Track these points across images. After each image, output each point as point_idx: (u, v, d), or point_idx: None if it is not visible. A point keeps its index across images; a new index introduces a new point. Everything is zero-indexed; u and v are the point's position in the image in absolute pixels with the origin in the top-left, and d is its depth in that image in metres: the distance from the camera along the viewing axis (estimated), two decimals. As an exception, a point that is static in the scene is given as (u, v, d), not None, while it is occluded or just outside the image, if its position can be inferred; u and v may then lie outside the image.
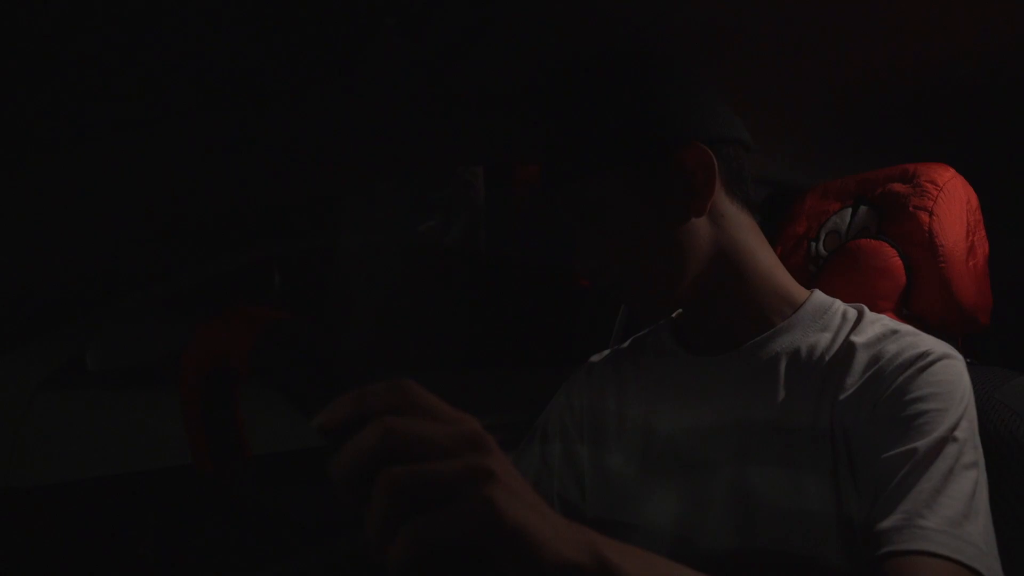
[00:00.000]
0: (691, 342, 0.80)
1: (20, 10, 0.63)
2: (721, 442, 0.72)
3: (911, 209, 0.94)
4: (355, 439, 0.37)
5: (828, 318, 0.74)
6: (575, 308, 1.78)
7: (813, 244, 1.04)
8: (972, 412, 0.66)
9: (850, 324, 0.73)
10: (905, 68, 0.93)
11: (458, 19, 0.72)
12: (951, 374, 0.66)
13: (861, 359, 0.69)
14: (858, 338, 0.70)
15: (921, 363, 0.66)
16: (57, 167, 0.78)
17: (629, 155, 0.71)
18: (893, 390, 0.65)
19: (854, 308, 0.76)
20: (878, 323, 0.72)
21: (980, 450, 0.65)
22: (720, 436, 0.72)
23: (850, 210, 1.02)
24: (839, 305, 0.76)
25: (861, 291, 0.94)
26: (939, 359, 0.67)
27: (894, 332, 0.70)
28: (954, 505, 0.59)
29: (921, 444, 0.61)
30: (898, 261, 0.94)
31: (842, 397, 0.67)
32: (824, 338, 0.72)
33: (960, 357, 0.69)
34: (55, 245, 0.85)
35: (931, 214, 0.92)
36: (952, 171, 0.97)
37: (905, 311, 0.95)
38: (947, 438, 0.62)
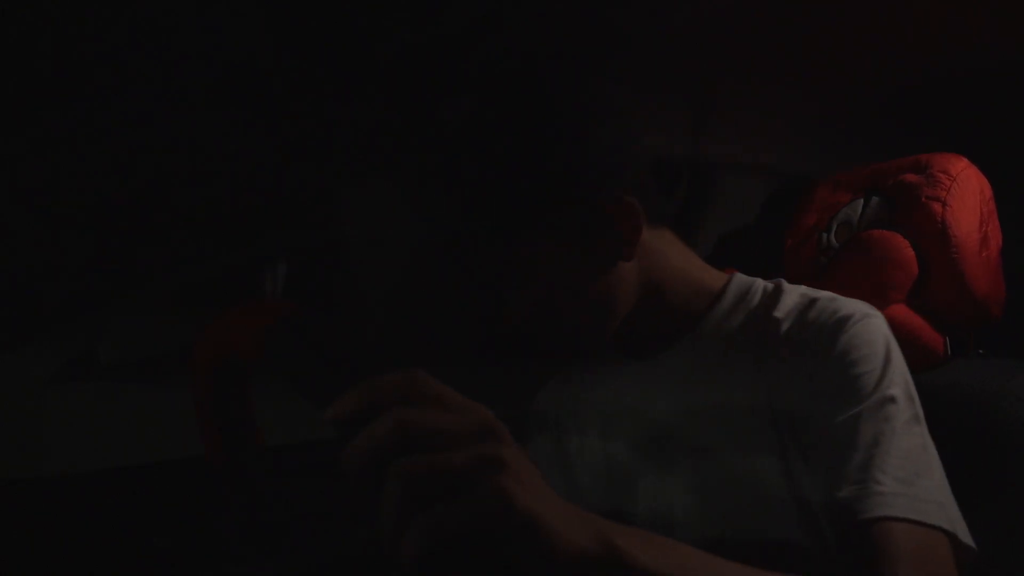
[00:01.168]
0: (628, 348, 0.80)
1: (27, 7, 0.63)
2: (673, 439, 0.72)
3: (924, 200, 0.93)
4: (366, 430, 0.37)
5: (750, 299, 0.75)
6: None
7: (824, 235, 1.03)
8: (902, 366, 0.66)
9: (771, 300, 0.73)
10: (917, 58, 0.92)
11: (469, 7, 0.71)
12: (873, 333, 0.66)
13: (785, 333, 0.69)
14: (779, 312, 0.71)
15: (843, 327, 0.66)
16: (69, 163, 0.78)
17: (555, 215, 0.69)
18: (821, 359, 0.66)
19: (772, 283, 0.76)
20: (795, 293, 0.73)
21: (918, 402, 0.65)
22: (670, 433, 0.73)
23: (862, 201, 1.01)
24: (759, 284, 0.76)
25: (872, 282, 0.94)
26: (859, 320, 0.67)
27: (812, 300, 0.71)
28: (905, 464, 0.60)
29: (859, 408, 0.62)
30: (910, 252, 0.93)
31: (774, 374, 0.68)
32: (748, 319, 0.73)
33: (879, 315, 0.69)
34: (66, 240, 0.86)
35: (944, 204, 0.92)
36: (965, 161, 0.96)
37: (917, 302, 0.95)
38: (884, 398, 0.63)
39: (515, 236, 0.70)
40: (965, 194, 0.93)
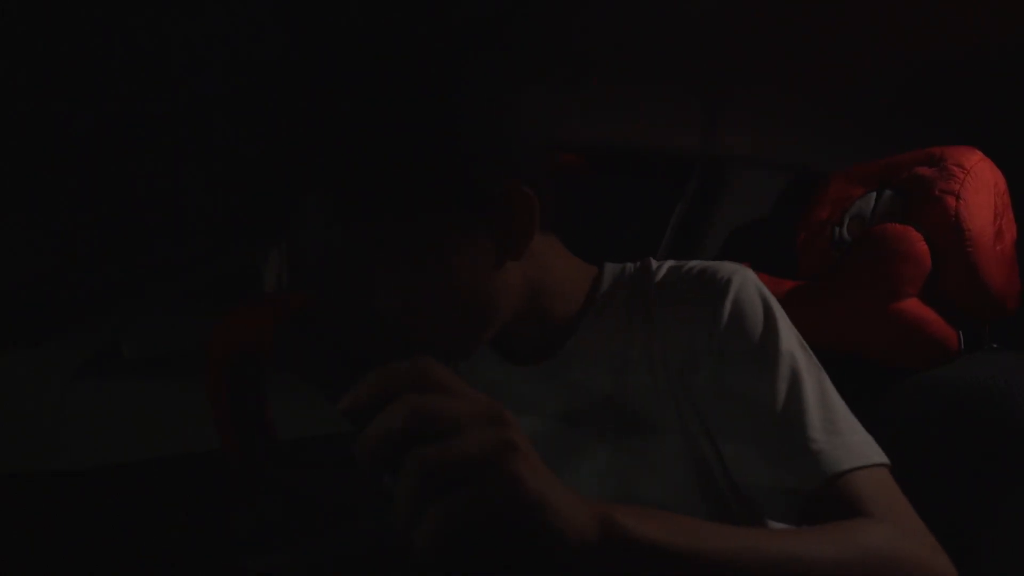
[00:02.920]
0: (511, 355, 0.77)
1: (43, 9, 0.64)
2: (565, 436, 0.71)
3: (937, 193, 0.93)
4: (379, 418, 0.37)
5: (623, 287, 0.73)
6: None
7: (837, 229, 1.03)
8: (781, 313, 0.65)
9: (641, 281, 0.72)
10: (932, 51, 0.91)
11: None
12: (751, 292, 0.66)
13: (667, 308, 0.68)
14: (651, 291, 0.70)
15: (725, 292, 0.66)
16: (89, 161, 0.79)
17: (442, 198, 0.62)
18: (710, 329, 0.65)
19: (640, 263, 0.74)
20: (663, 268, 0.72)
21: (805, 343, 0.65)
22: (561, 432, 0.71)
23: (874, 195, 1.01)
24: (628, 267, 0.75)
25: (885, 276, 0.94)
26: (736, 281, 0.66)
27: (687, 270, 0.70)
28: (826, 415, 0.61)
29: (766, 376, 0.62)
30: (923, 246, 0.93)
31: (664, 353, 0.67)
32: (623, 309, 0.71)
33: (747, 268, 0.68)
34: (88, 237, 0.87)
35: (958, 198, 0.91)
36: (979, 154, 0.95)
37: (930, 296, 0.94)
38: (784, 356, 0.62)
39: (408, 211, 0.62)
40: (979, 187, 0.92)
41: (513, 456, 0.37)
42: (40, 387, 1.04)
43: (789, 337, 0.64)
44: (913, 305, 0.93)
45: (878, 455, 0.60)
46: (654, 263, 0.73)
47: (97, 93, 0.74)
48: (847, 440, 0.60)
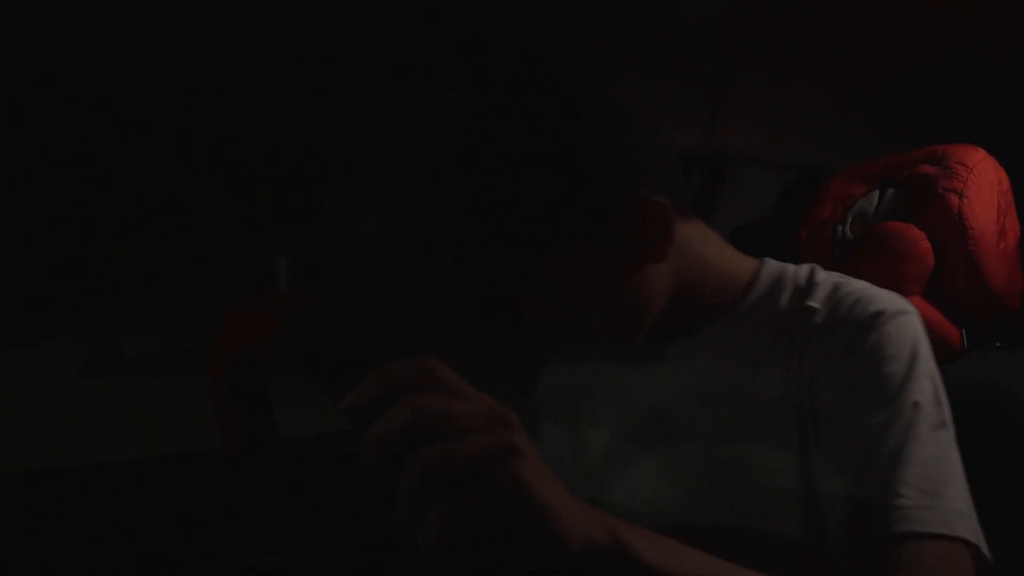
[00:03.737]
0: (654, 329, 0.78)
1: (42, 11, 0.64)
2: (674, 425, 0.71)
3: (940, 191, 0.92)
4: (382, 418, 0.37)
5: (781, 288, 0.73)
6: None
7: (839, 228, 1.02)
8: (930, 367, 0.64)
9: (803, 288, 0.71)
10: (933, 49, 0.91)
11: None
12: (903, 332, 0.65)
13: (818, 325, 0.68)
14: (814, 303, 0.69)
15: (874, 324, 0.65)
16: (91, 162, 0.79)
17: (579, 225, 0.65)
18: (850, 356, 0.64)
19: (805, 269, 0.74)
20: (828, 282, 0.71)
21: (946, 405, 0.64)
22: (671, 420, 0.72)
23: (877, 193, 1.01)
24: (790, 270, 0.74)
25: (888, 275, 0.93)
26: (890, 318, 0.65)
27: (847, 292, 0.69)
28: (928, 473, 0.58)
29: (884, 414, 0.61)
30: (926, 244, 0.92)
31: (806, 365, 0.66)
32: (780, 309, 0.71)
33: (914, 311, 0.68)
34: (90, 237, 0.87)
35: (961, 196, 0.91)
36: (982, 152, 0.95)
37: (933, 295, 0.94)
38: (909, 403, 0.61)
39: (538, 250, 0.66)
40: (982, 185, 0.92)
41: (515, 458, 0.37)
42: (41, 386, 1.04)
43: (924, 389, 0.63)
44: (916, 304, 0.92)
45: (968, 532, 0.57)
46: (819, 274, 0.72)
47: (100, 92, 0.74)
48: (941, 504, 0.57)
